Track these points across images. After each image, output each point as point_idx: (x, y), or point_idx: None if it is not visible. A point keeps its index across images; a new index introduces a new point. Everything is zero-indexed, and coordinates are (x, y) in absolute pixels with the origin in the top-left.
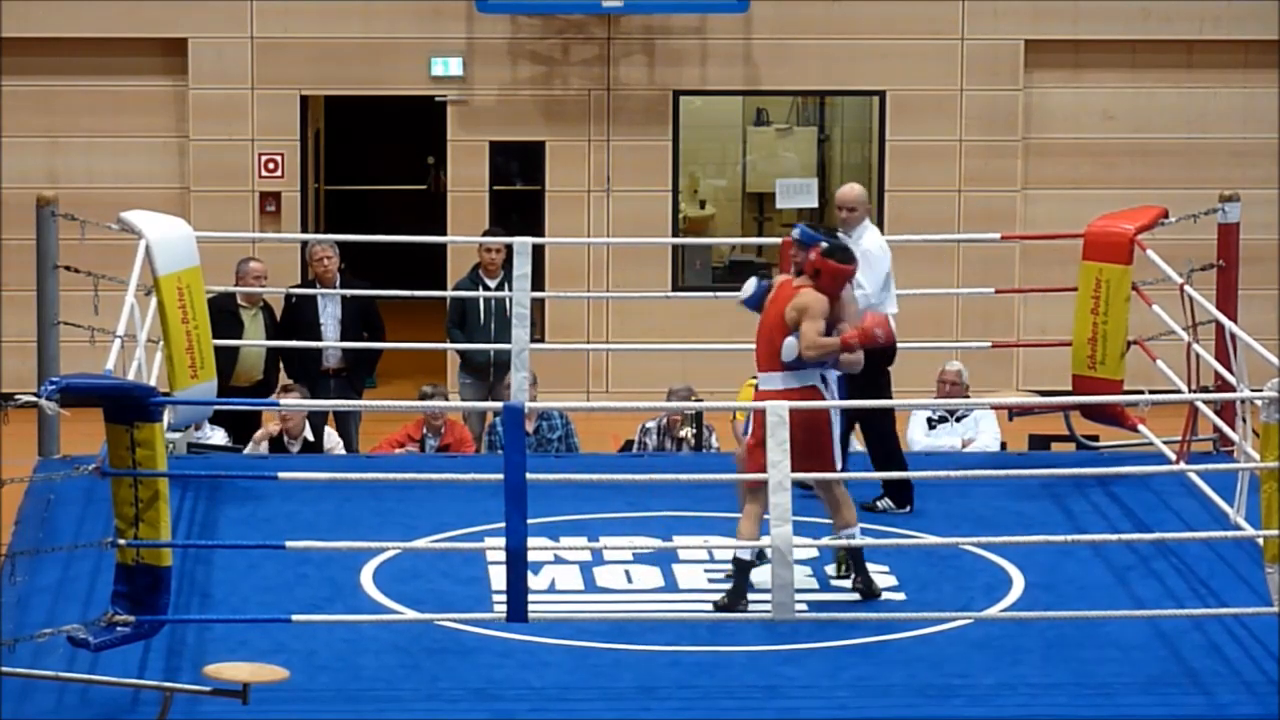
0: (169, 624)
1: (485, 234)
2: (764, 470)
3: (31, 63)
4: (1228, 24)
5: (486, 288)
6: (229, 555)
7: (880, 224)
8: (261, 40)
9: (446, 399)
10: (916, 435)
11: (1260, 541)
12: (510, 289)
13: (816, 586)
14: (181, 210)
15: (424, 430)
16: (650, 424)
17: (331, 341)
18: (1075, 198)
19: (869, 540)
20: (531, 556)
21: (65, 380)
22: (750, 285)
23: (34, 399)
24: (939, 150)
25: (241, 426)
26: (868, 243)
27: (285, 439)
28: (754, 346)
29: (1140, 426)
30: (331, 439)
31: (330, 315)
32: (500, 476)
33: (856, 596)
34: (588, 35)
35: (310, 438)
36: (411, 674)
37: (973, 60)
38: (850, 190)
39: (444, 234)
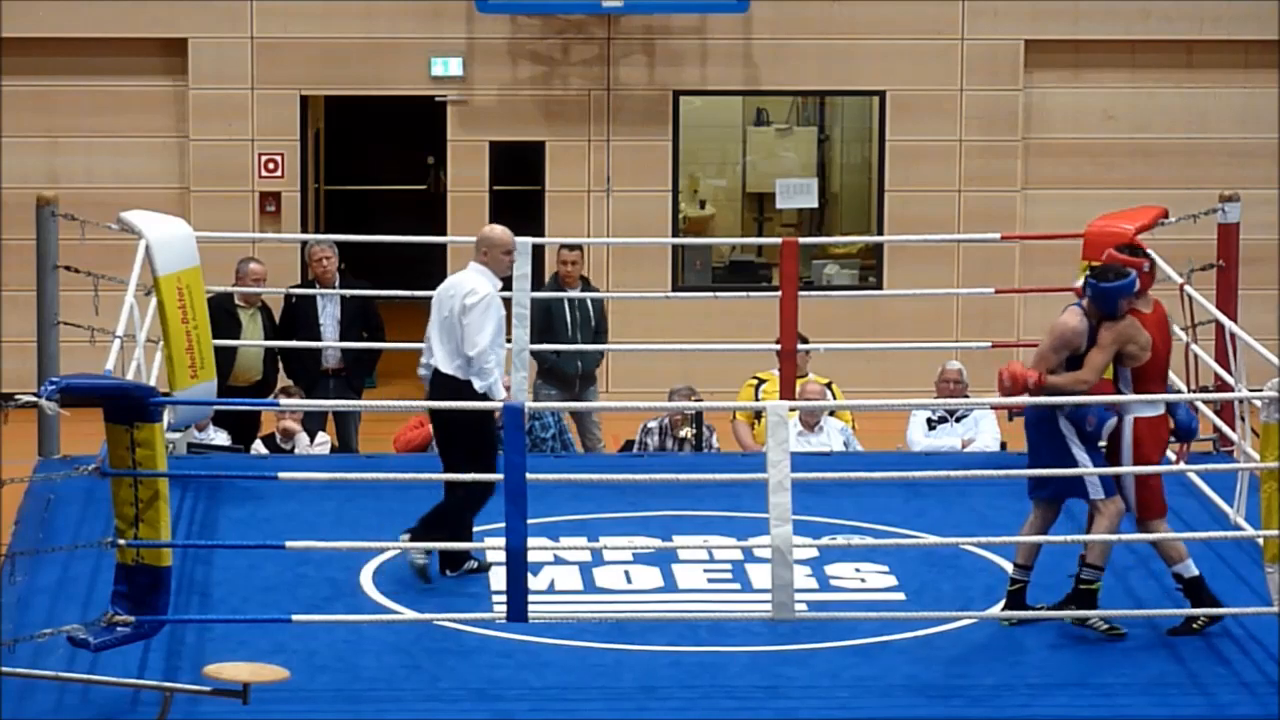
0: (169, 624)
1: (563, 246)
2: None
3: (31, 63)
4: (1228, 24)
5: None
6: (229, 555)
7: (880, 224)
8: (261, 40)
9: None
10: (916, 435)
11: (1260, 541)
12: (591, 301)
13: (816, 586)
14: (181, 210)
15: None
16: (651, 424)
17: (331, 341)
18: (1075, 198)
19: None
20: (531, 557)
21: (65, 380)
22: None
23: (34, 399)
24: (939, 150)
25: (241, 427)
26: None
27: (279, 438)
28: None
29: None
30: (319, 439)
31: (330, 315)
32: (500, 477)
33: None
34: (588, 35)
35: (306, 440)
36: (411, 674)
37: (973, 60)
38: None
39: (444, 234)
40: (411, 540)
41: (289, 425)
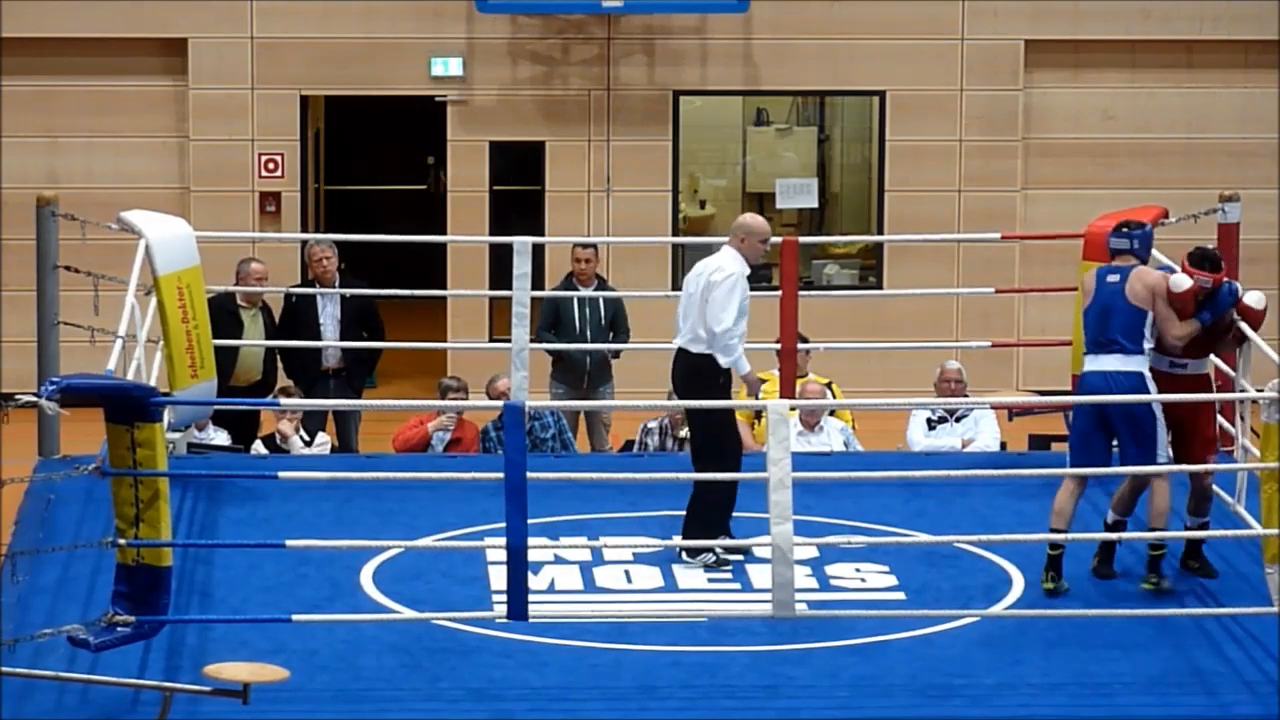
0: (169, 624)
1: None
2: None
3: (31, 63)
4: (1228, 24)
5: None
6: (229, 555)
7: (880, 224)
8: (261, 40)
9: (467, 393)
10: (916, 435)
11: (1260, 541)
12: (603, 299)
13: (816, 586)
14: (181, 210)
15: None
16: (652, 424)
17: (331, 341)
18: (1075, 198)
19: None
20: (531, 556)
21: (66, 380)
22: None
23: (34, 399)
24: (939, 150)
25: (241, 427)
26: None
27: (279, 439)
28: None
29: None
30: (319, 439)
31: (329, 315)
32: (500, 476)
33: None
34: (588, 35)
35: (305, 437)
36: (411, 674)
37: (973, 60)
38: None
39: (444, 234)
40: (684, 540)
41: (283, 427)
